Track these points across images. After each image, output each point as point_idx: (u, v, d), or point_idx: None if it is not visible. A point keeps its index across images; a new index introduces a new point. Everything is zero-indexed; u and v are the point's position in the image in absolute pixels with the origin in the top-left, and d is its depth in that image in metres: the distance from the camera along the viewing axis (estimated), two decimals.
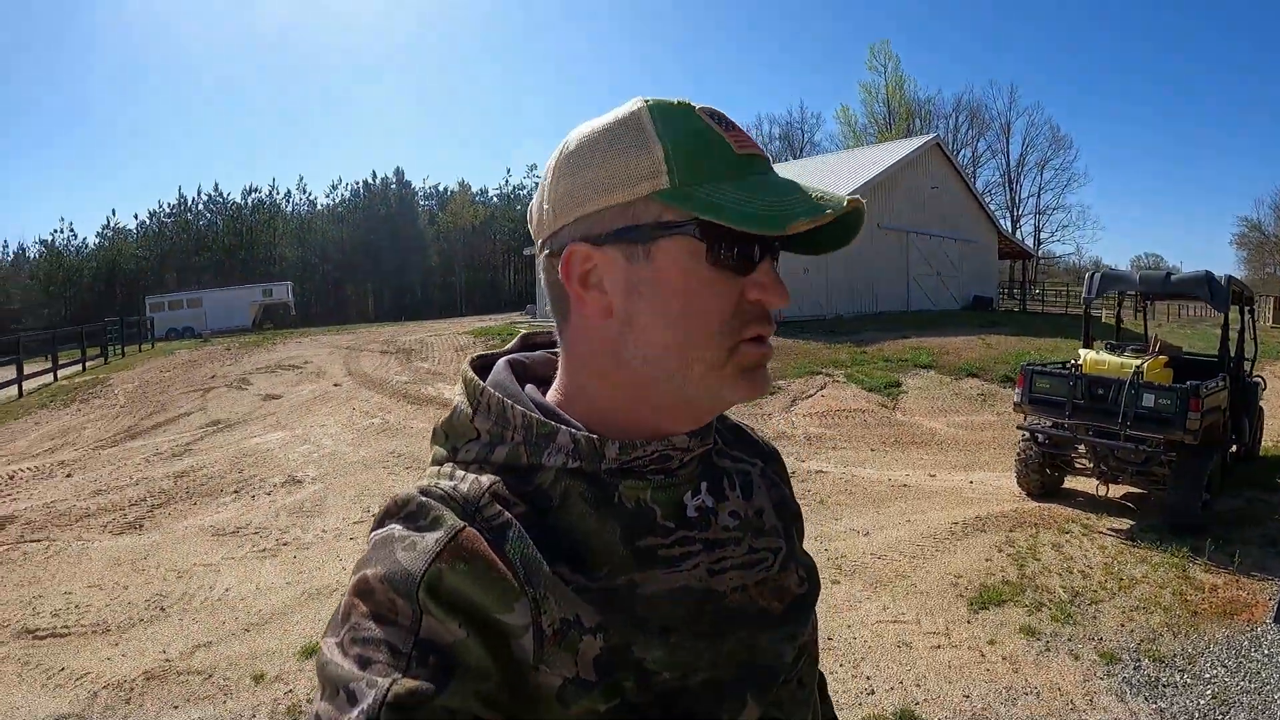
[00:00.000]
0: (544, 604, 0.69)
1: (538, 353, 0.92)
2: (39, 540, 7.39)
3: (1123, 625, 4.93)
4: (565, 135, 0.81)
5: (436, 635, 0.64)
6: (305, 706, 4.30)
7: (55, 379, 19.81)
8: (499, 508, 0.73)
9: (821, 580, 4.01)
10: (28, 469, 10.66)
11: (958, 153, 51.97)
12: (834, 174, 26.93)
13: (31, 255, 58.18)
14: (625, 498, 0.78)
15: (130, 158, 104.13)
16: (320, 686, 0.64)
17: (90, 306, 45.51)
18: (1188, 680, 4.34)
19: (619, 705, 0.71)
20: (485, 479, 0.75)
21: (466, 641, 0.65)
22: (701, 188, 0.73)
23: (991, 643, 4.74)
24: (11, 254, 59.68)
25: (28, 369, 18.80)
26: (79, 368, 21.63)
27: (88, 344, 23.36)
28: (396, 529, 0.71)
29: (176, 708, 4.40)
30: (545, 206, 0.80)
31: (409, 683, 0.61)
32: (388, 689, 0.60)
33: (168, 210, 57.67)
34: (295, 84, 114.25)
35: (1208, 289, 7.22)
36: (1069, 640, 4.76)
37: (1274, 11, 76.62)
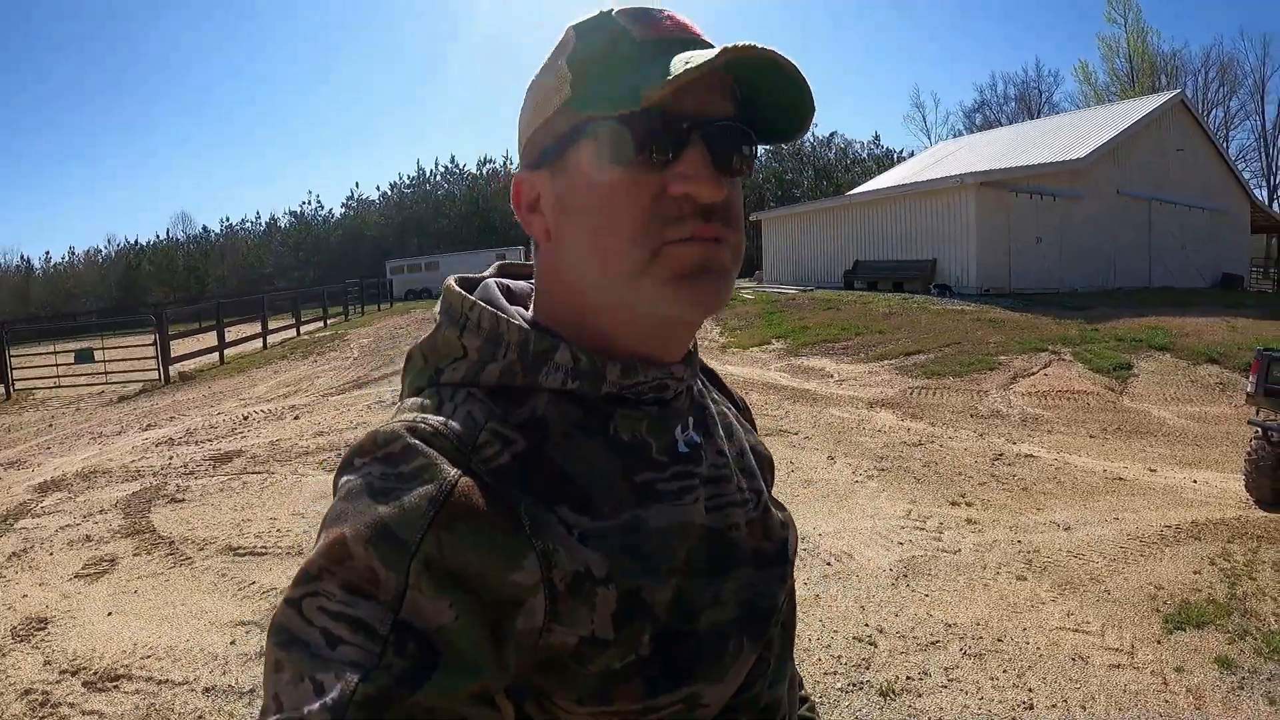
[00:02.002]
0: (554, 556, 0.64)
1: (520, 282, 0.89)
2: (259, 472, 8.20)
3: None
4: None
5: (420, 617, 0.57)
6: None
7: (298, 334, 21.87)
8: (497, 446, 0.68)
9: (1007, 575, 3.78)
10: (261, 411, 11.84)
11: (1207, 113, 47.18)
12: (1066, 135, 25.06)
13: (282, 225, 63.73)
14: (620, 427, 0.75)
15: (372, 135, 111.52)
16: (275, 659, 0.57)
17: (336, 270, 49.28)
18: None
19: (634, 660, 0.68)
20: (479, 412, 0.70)
21: (455, 625, 0.58)
22: (594, 85, 0.70)
23: (1179, 670, 4.24)
24: (264, 224, 65.59)
25: (273, 325, 20.82)
26: (320, 325, 23.68)
27: (330, 304, 25.63)
28: (375, 473, 0.63)
29: None
30: None
31: (382, 678, 0.54)
32: (356, 685, 0.53)
33: (407, 182, 61.92)
34: (524, 54, 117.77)
35: None
36: (1269, 679, 4.16)
37: None
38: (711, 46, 0.71)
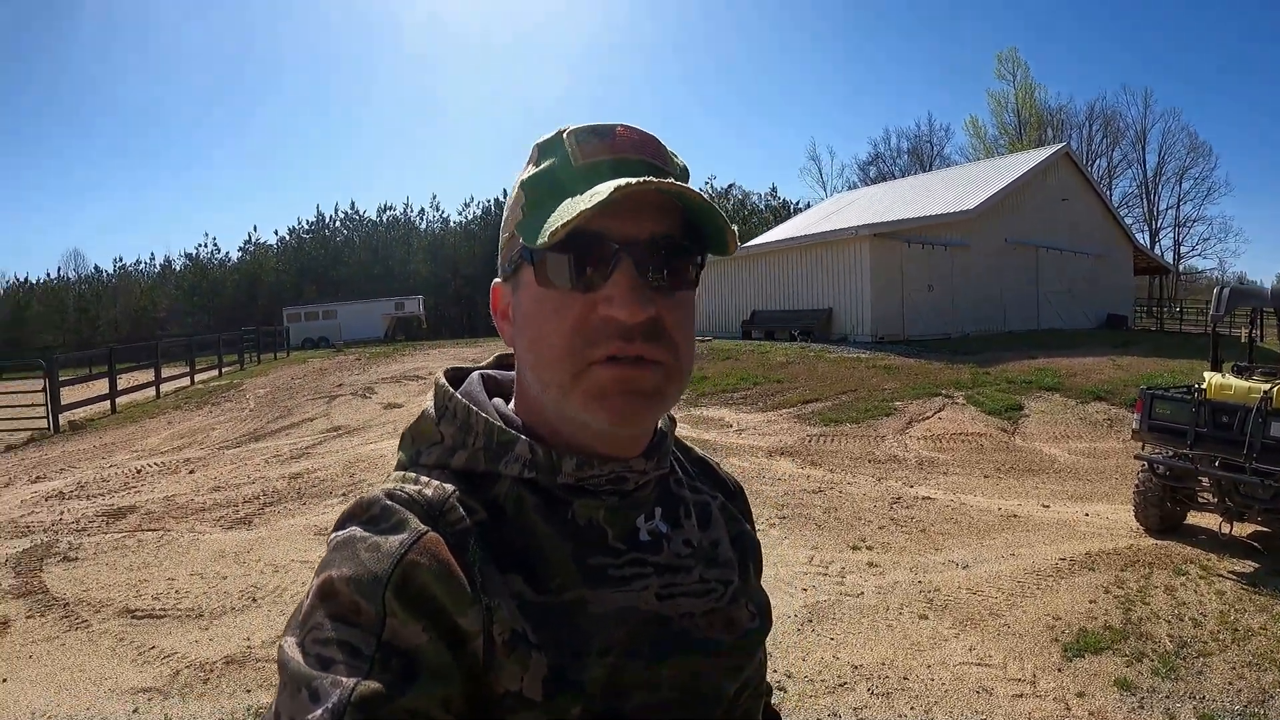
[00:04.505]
0: (496, 613, 0.70)
1: (510, 372, 0.92)
2: (154, 530, 7.87)
3: (1230, 683, 4.49)
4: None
5: (399, 638, 0.65)
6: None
7: (192, 382, 21.20)
8: (461, 513, 0.74)
9: (909, 615, 3.84)
10: (156, 464, 11.40)
11: (1092, 163, 49.97)
12: (958, 187, 26.18)
13: (177, 268, 61.84)
14: (578, 514, 0.79)
15: (271, 178, 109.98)
16: (280, 684, 0.65)
17: (232, 316, 48.07)
18: None
19: None
20: (449, 485, 0.76)
21: (428, 645, 0.66)
22: (533, 214, 0.76)
23: (1080, 695, 4.39)
24: (158, 266, 63.55)
25: (166, 372, 20.15)
26: (215, 373, 23.03)
27: (226, 351, 24.96)
28: (358, 531, 0.71)
29: (249, 691, 4.58)
30: None
31: (372, 684, 0.62)
32: (352, 689, 0.61)
33: (306, 227, 60.60)
34: (429, 107, 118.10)
35: None
36: (1167, 697, 4.36)
37: None
38: (658, 163, 0.78)
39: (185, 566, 6.71)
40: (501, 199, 58.69)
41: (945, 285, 22.27)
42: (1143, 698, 4.37)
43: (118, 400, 17.57)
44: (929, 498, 8.63)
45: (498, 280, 0.86)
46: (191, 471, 10.84)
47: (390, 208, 61.78)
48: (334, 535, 0.73)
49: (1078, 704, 4.31)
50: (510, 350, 0.91)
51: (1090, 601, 5.61)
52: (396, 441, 0.86)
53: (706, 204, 0.73)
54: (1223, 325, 7.92)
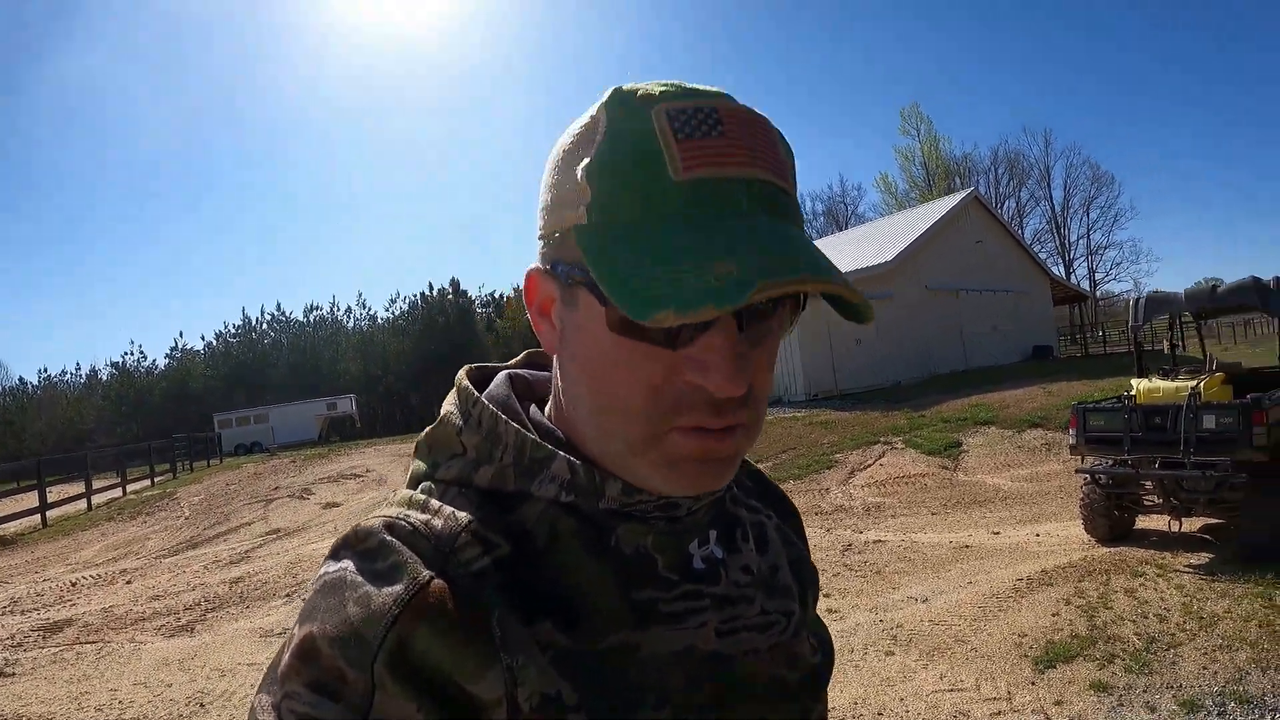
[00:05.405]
0: (521, 674, 0.58)
1: (544, 373, 0.80)
2: (94, 642, 7.57)
3: (1204, 668, 4.55)
4: None
5: (388, 718, 0.55)
6: None
7: (124, 493, 20.69)
8: (478, 549, 0.62)
9: (875, 653, 3.80)
10: (90, 576, 11.03)
11: (1001, 204, 51.83)
12: (874, 241, 26.91)
13: (103, 377, 60.43)
14: (623, 542, 0.67)
15: (196, 282, 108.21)
16: None
17: (161, 424, 46.84)
18: None
19: None
20: (463, 514, 0.64)
21: None
22: (612, 230, 0.58)
23: (1059, 703, 4.39)
24: (84, 376, 61.94)
25: (97, 484, 19.57)
26: (148, 483, 22.43)
27: (157, 460, 24.36)
28: (350, 568, 0.60)
29: None
30: None
31: None
32: None
33: (233, 331, 59.58)
34: (352, 205, 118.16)
35: (1256, 294, 6.90)
36: (1144, 692, 4.39)
37: None
38: (780, 181, 0.62)
39: (128, 677, 6.40)
40: (428, 292, 59.60)
41: (872, 337, 22.65)
42: (1120, 696, 4.38)
43: (48, 514, 17.07)
44: (880, 540, 8.66)
45: (536, 267, 0.66)
46: (129, 582, 10.50)
47: (317, 307, 61.00)
48: (324, 569, 0.62)
49: (1057, 712, 4.30)
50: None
51: (1053, 615, 5.63)
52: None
53: (857, 296, 0.58)
54: (1144, 337, 8.20)
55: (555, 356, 0.68)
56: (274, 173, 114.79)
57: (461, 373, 0.75)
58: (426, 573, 0.59)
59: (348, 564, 0.61)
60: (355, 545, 0.62)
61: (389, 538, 0.61)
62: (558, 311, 0.65)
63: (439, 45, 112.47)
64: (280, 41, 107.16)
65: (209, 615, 8.30)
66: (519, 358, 0.83)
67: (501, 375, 0.76)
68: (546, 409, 0.73)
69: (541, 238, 0.65)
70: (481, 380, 0.76)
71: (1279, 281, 6.89)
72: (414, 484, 0.70)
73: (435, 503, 0.65)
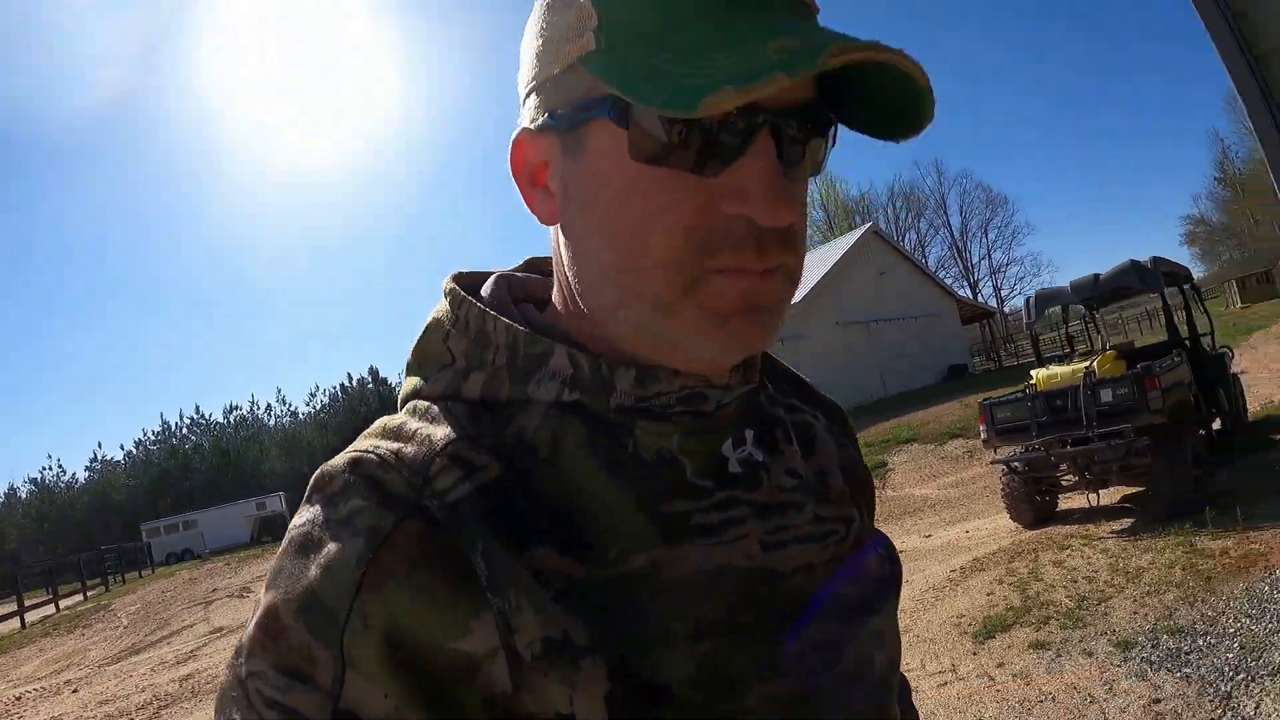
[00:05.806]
0: (515, 617, 0.48)
1: (538, 275, 0.71)
2: None
3: (1135, 613, 4.62)
4: None
5: (361, 705, 0.46)
6: None
7: (57, 609, 20.62)
8: (457, 474, 0.52)
9: None
10: (34, 689, 10.87)
11: (903, 236, 53.43)
12: None
13: (23, 495, 58.71)
14: (642, 445, 0.57)
15: (112, 390, 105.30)
16: None
17: (87, 539, 45.47)
18: (1210, 641, 4.06)
19: None
20: (440, 435, 0.54)
21: (404, 709, 0.46)
22: (630, 51, 0.50)
23: (1000, 665, 4.41)
24: (3, 494, 59.97)
25: (29, 601, 19.67)
26: (80, 597, 22.50)
27: (87, 574, 24.12)
28: (316, 520, 0.51)
29: None
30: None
31: None
32: None
33: (153, 438, 58.44)
34: (265, 301, 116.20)
35: (1135, 275, 7.26)
36: (1080, 642, 4.44)
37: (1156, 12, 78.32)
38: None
39: None
40: (347, 383, 58.88)
41: None
42: (1058, 649, 4.42)
43: None
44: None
45: (525, 129, 0.58)
46: (75, 690, 10.29)
47: (237, 407, 60.51)
48: (293, 522, 0.53)
49: (1000, 673, 4.33)
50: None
51: (988, 594, 5.67)
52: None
53: (924, 77, 0.50)
54: (1041, 331, 8.49)
55: (556, 228, 0.58)
56: (181, 274, 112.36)
57: (448, 278, 0.65)
58: (391, 516, 0.49)
59: (315, 513, 0.51)
60: (323, 489, 0.53)
61: (352, 476, 0.52)
62: (557, 170, 0.56)
63: (333, 145, 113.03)
64: (180, 150, 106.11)
65: (163, 713, 8.13)
66: (519, 264, 0.73)
67: (494, 276, 0.67)
68: (546, 311, 0.64)
69: (532, 90, 0.57)
70: (472, 287, 0.66)
71: (1155, 261, 7.22)
72: (402, 405, 0.61)
73: (413, 425, 0.56)
